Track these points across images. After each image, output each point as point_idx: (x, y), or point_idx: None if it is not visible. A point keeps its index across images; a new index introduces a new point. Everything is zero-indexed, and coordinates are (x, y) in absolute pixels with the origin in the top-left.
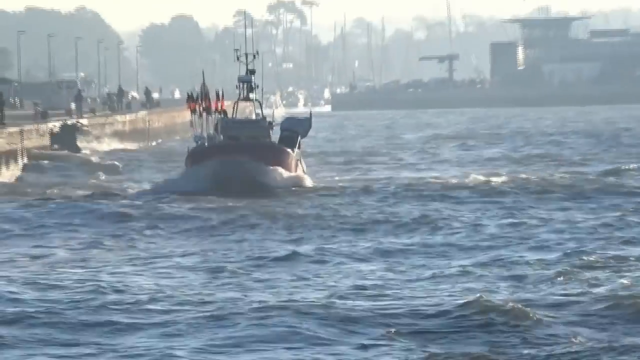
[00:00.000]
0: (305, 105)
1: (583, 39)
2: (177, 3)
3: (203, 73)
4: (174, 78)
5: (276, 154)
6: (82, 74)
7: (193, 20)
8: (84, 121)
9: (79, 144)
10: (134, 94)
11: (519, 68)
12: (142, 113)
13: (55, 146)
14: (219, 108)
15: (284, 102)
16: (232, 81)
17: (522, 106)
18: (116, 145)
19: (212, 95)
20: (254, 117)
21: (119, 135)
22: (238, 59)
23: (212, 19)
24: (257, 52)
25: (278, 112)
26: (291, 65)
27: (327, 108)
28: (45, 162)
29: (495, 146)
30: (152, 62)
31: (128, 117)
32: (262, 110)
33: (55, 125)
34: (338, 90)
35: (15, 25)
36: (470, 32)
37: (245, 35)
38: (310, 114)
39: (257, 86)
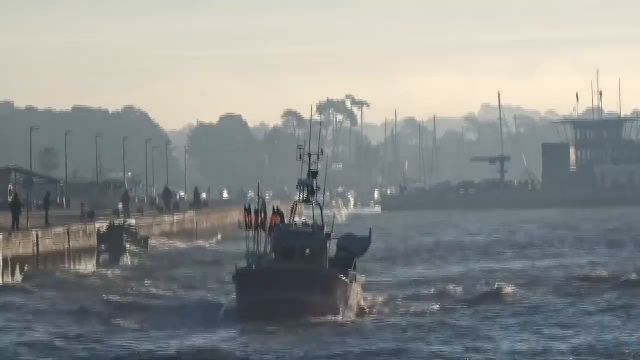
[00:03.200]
0: (355, 206)
1: (636, 140)
2: (226, 102)
3: (258, 186)
4: (223, 178)
5: (326, 284)
6: (129, 174)
7: (242, 120)
8: (132, 221)
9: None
10: (182, 194)
11: (571, 169)
12: (190, 214)
13: (103, 247)
14: (274, 224)
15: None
16: (281, 182)
17: (573, 208)
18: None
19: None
20: (312, 222)
21: (167, 235)
22: (301, 158)
23: (261, 119)
24: (322, 152)
25: (342, 214)
26: (341, 166)
27: (377, 209)
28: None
29: None
30: (200, 162)
31: (176, 217)
32: (322, 216)
33: (102, 225)
34: (388, 192)
35: (63, 125)
36: (521, 133)
37: (311, 132)
38: (370, 231)
39: (319, 189)
